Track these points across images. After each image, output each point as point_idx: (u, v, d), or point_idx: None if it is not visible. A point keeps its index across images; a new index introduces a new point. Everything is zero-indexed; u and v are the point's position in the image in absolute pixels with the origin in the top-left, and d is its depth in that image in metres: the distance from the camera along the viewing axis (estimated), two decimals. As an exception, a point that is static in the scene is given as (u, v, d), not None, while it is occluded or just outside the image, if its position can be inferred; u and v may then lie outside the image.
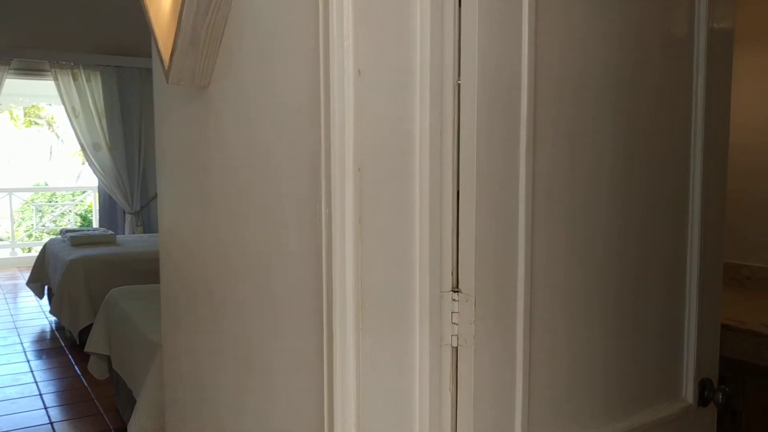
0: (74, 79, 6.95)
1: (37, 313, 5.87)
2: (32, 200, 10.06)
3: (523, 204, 1.00)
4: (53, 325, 5.47)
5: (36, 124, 12.87)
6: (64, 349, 4.81)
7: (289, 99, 1.03)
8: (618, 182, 1.15)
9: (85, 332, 4.31)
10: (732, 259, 2.46)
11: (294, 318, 1.06)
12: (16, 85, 7.28)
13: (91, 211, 10.01)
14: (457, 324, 0.98)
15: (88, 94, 7.01)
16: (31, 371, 4.32)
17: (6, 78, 6.67)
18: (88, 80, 7.00)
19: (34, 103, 11.99)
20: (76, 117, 7.03)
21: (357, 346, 0.90)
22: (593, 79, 1.08)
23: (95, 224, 8.22)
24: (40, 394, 3.90)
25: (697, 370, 1.34)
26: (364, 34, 0.86)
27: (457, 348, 0.99)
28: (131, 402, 2.95)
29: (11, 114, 12.38)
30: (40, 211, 9.91)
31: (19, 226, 10.35)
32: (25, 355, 4.65)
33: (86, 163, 7.72)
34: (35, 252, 8.13)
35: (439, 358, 0.97)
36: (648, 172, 1.21)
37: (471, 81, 0.92)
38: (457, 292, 0.98)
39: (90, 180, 8.94)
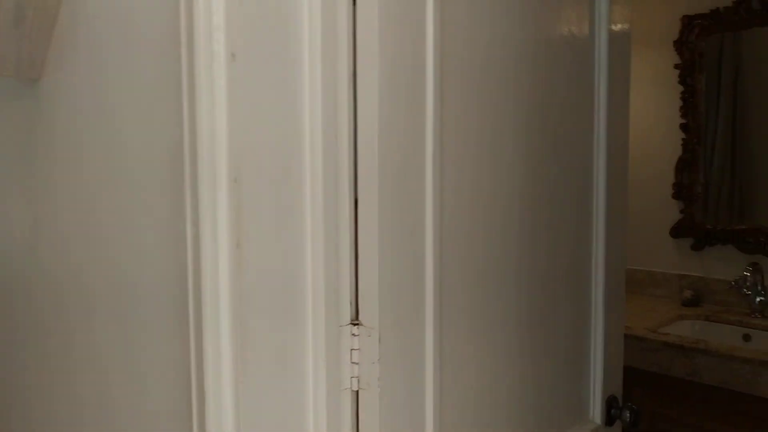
0: None
1: None
2: None
3: (431, 218, 0.86)
4: None
5: None
6: None
7: (144, 94, 0.83)
8: (525, 198, 1.05)
9: None
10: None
11: (157, 367, 0.85)
12: None
13: None
14: (357, 364, 0.82)
15: None
16: None
17: None
18: None
19: None
20: None
21: (236, 401, 0.72)
22: (498, 81, 0.98)
23: None
24: None
25: (603, 389, 1.28)
26: (239, 9, 0.69)
27: (358, 392, 0.83)
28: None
29: None
30: None
31: None
32: None
33: None
34: None
35: (337, 405, 0.81)
36: (554, 187, 1.13)
37: (371, 67, 0.77)
38: (358, 325, 0.82)
39: None
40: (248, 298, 0.71)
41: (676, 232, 2.75)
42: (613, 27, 1.26)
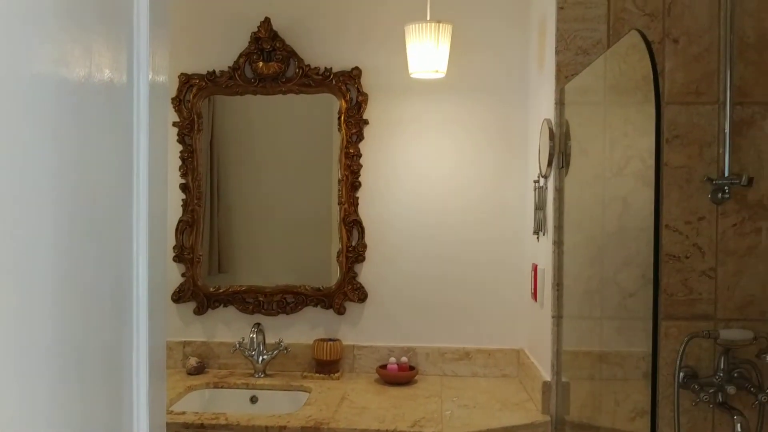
0: None
1: None
2: None
3: None
4: None
5: None
6: None
7: None
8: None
9: None
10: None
11: None
12: None
13: None
14: None
15: None
16: None
17: None
18: None
19: None
20: None
21: None
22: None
23: None
24: None
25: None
26: None
27: None
28: None
29: None
30: None
31: None
32: None
33: None
34: None
35: None
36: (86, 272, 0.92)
37: None
38: None
39: None
40: None
41: (178, 296, 2.73)
42: (155, 77, 1.13)
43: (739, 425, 1.96)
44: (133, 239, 1.14)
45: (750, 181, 1.97)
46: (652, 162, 2.15)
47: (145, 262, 1.12)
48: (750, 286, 2.08)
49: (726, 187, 2.02)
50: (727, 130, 2.02)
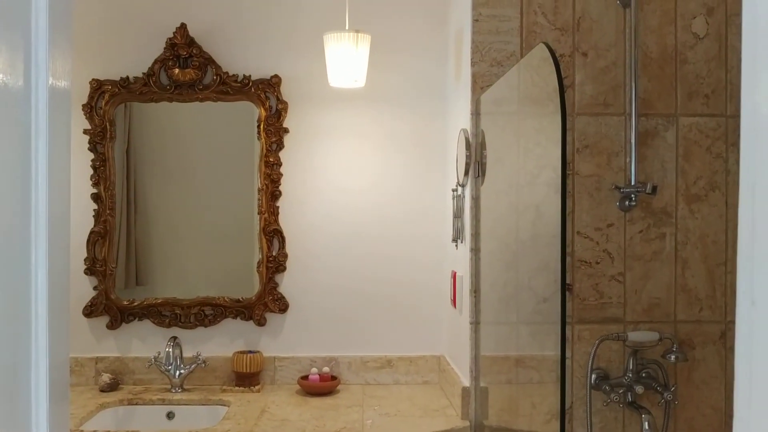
0: None
1: None
2: None
3: None
4: None
5: None
6: None
7: None
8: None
9: None
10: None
11: None
12: None
13: None
14: None
15: None
16: None
17: None
18: None
19: None
20: None
21: None
22: None
23: None
24: None
25: None
26: None
27: None
28: None
29: None
30: None
31: None
32: None
33: None
34: None
35: None
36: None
37: None
38: None
39: None
40: None
41: (90, 311, 2.64)
42: (55, 82, 1.10)
43: (646, 423, 2.05)
44: (32, 251, 1.11)
45: (654, 189, 2.08)
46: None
47: (45, 276, 1.09)
48: (655, 289, 2.19)
49: (633, 195, 2.12)
50: (633, 141, 2.12)
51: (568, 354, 2.22)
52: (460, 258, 2.37)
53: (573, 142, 2.19)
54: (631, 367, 2.11)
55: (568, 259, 2.21)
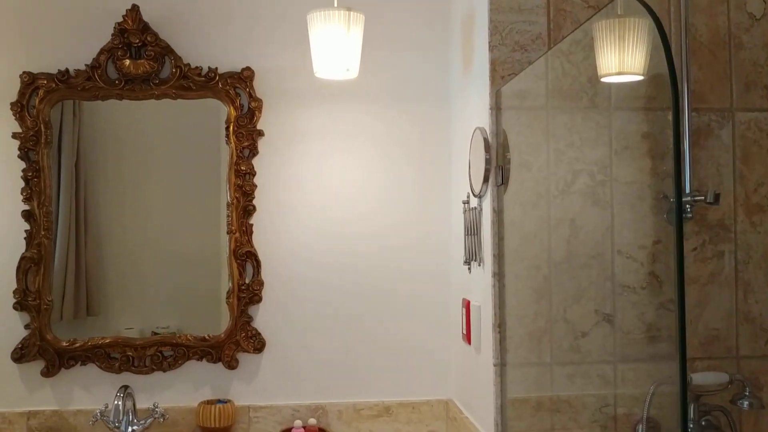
0: None
1: None
2: None
3: None
4: None
5: None
6: None
7: None
8: None
9: None
10: None
11: None
12: None
13: None
14: None
15: None
16: None
17: None
18: None
19: None
20: None
21: None
22: None
23: None
24: None
25: None
26: None
27: None
28: None
29: None
30: None
31: None
32: None
33: None
34: None
35: None
36: None
37: None
38: None
39: None
40: None
41: (21, 354, 2.19)
42: None
43: (714, 485, 1.70)
44: None
45: (717, 197, 1.74)
46: (602, 177, 1.89)
47: None
48: (713, 319, 1.86)
49: (688, 206, 1.78)
50: (687, 140, 1.79)
51: (609, 401, 1.87)
52: (475, 284, 2.00)
53: (610, 143, 1.85)
54: (691, 416, 1.76)
55: (607, 284, 1.87)
